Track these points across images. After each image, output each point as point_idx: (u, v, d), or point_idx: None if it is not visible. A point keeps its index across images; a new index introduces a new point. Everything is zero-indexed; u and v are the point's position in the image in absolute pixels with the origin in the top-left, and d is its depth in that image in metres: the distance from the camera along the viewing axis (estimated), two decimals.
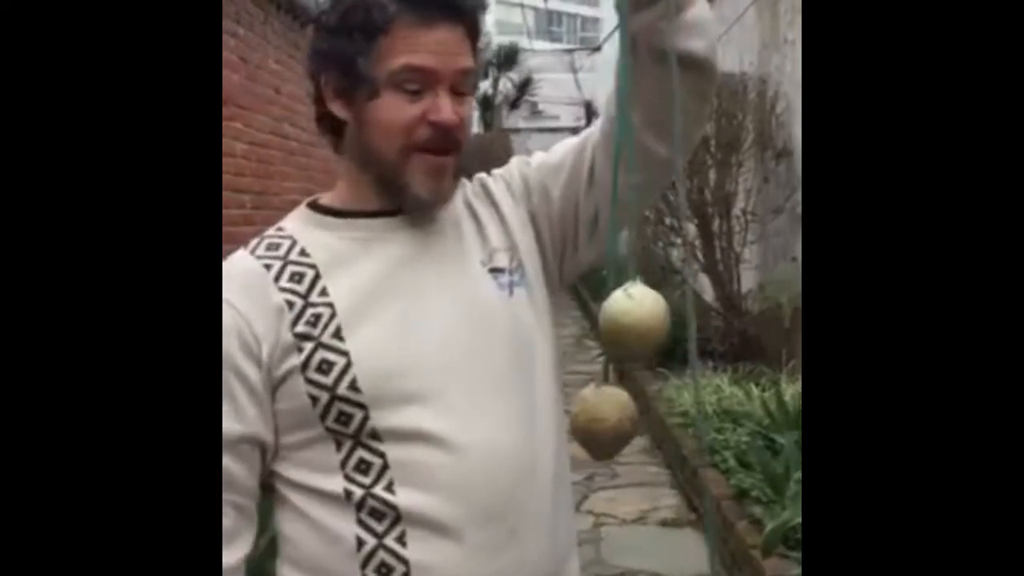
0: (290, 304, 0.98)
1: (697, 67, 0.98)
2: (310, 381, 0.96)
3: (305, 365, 0.96)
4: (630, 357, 0.82)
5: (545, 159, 1.12)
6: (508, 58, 17.54)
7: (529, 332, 1.04)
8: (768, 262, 5.74)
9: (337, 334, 0.97)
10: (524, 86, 16.67)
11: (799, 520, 2.57)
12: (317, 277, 1.00)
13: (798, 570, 1.78)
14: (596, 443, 0.88)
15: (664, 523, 3.93)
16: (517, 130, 16.09)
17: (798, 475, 3.22)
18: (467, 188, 1.12)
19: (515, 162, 1.15)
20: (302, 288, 0.99)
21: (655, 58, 0.96)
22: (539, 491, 1.00)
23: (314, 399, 0.96)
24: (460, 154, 1.02)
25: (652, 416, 5.10)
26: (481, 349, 1.00)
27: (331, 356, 0.96)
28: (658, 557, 3.53)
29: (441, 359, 0.98)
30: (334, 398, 0.96)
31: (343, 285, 0.99)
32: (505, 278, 1.05)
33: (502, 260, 1.06)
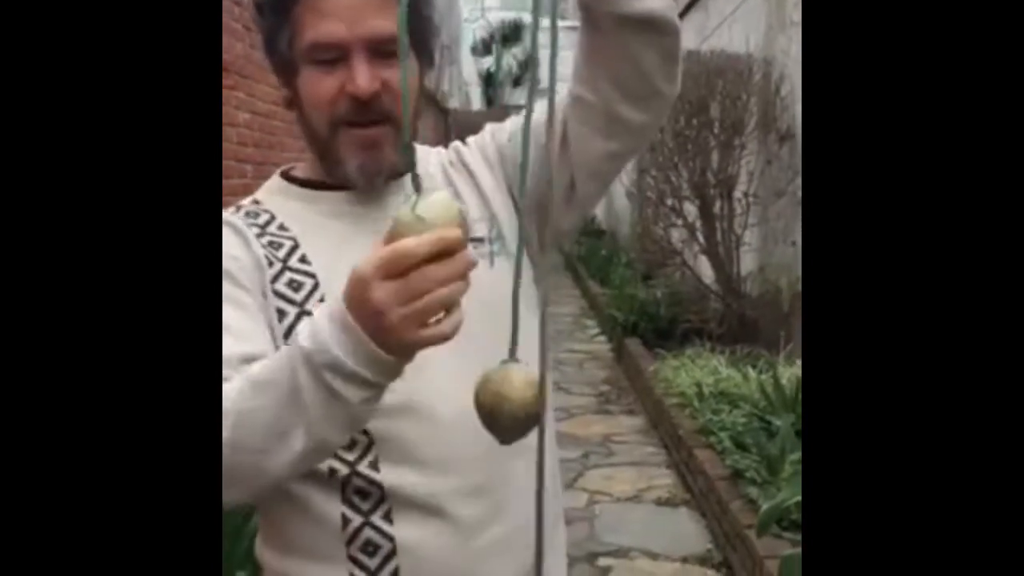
0: (269, 261, 0.97)
1: (657, 27, 0.95)
2: (280, 295, 0.94)
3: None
4: None
5: (517, 127, 1.08)
6: (512, 34, 17.42)
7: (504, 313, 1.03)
8: (768, 245, 5.74)
9: (304, 259, 0.96)
10: (527, 63, 16.61)
11: (794, 501, 2.58)
12: (295, 247, 0.99)
13: (791, 550, 1.80)
14: (498, 424, 0.78)
15: (659, 502, 3.95)
16: (519, 107, 16.02)
17: (793, 457, 3.23)
18: (443, 157, 1.10)
19: (488, 130, 1.12)
20: (280, 253, 0.98)
21: (616, 24, 0.93)
22: (524, 465, 0.99)
23: (281, 312, 0.94)
24: (398, 124, 0.95)
25: (648, 396, 5.11)
26: (465, 322, 0.97)
27: (299, 278, 0.95)
28: (652, 535, 3.55)
29: None
30: (303, 312, 0.94)
31: (324, 259, 0.97)
32: (485, 248, 1.02)
33: (481, 230, 1.04)
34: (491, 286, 1.00)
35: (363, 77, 0.92)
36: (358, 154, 0.95)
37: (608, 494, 4.04)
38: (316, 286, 0.95)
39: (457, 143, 1.12)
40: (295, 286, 0.96)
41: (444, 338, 0.74)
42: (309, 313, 0.94)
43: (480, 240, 1.02)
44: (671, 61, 0.98)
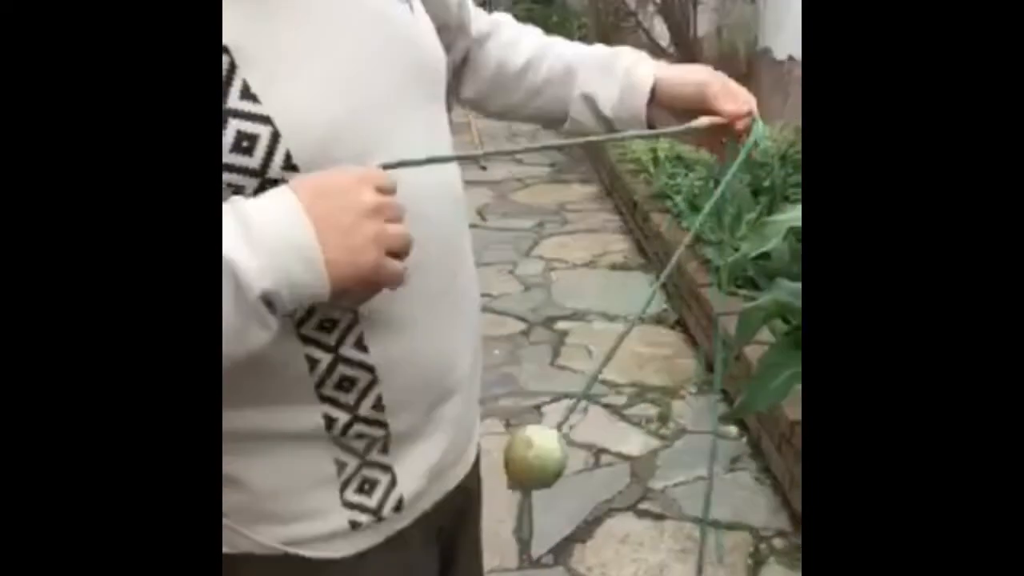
0: None
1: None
2: (231, 167, 0.70)
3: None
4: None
5: None
6: None
7: (439, 62, 0.89)
8: (726, 4, 5.51)
9: (247, 93, 0.70)
10: None
11: (749, 258, 2.60)
12: None
13: (746, 303, 1.83)
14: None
15: (614, 266, 4.00)
16: None
17: (749, 216, 3.24)
18: None
19: None
20: None
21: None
22: (468, 267, 0.91)
23: (237, 188, 0.71)
24: None
25: (603, 163, 5.06)
26: (404, 86, 0.82)
27: (250, 127, 0.70)
28: (608, 299, 3.61)
29: (377, 112, 0.78)
30: (265, 183, 0.71)
31: (232, 18, 0.69)
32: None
33: None
34: (417, 38, 0.86)
35: None
36: None
37: (564, 261, 4.07)
38: (233, 68, 0.70)
39: None
40: None
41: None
42: (236, 112, 0.70)
43: None
44: None
